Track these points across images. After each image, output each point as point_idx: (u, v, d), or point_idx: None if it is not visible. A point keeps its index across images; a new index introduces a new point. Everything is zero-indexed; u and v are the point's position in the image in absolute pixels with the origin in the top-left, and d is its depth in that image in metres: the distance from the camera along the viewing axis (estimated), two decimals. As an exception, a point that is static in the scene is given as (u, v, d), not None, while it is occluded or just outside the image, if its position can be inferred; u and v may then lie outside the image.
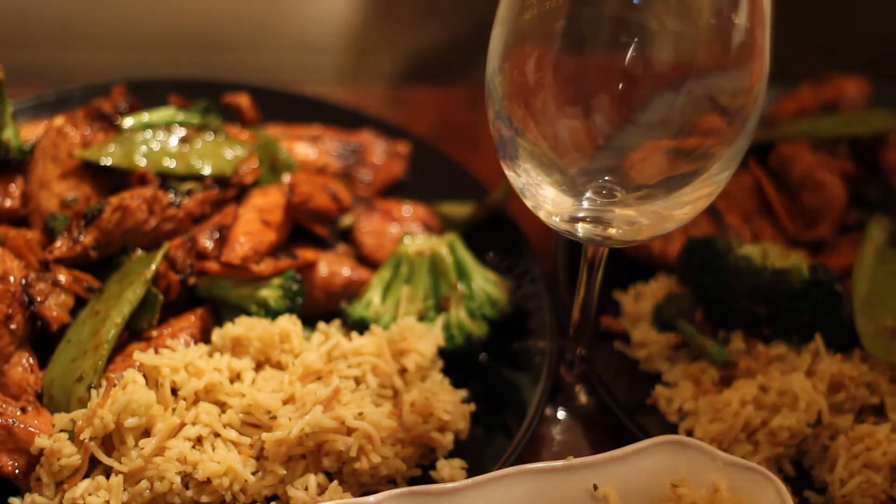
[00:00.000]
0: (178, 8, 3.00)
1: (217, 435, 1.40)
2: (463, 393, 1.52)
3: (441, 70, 2.72)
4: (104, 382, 1.41)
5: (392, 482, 1.43)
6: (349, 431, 1.38)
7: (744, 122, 1.26)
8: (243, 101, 1.85)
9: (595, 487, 1.28)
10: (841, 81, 1.98)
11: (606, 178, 1.28)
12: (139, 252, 1.57)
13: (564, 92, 1.24)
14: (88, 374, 1.42)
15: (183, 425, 1.39)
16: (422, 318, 1.58)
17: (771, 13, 1.22)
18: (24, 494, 1.36)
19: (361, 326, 1.57)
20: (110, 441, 1.37)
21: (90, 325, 1.47)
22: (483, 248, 1.71)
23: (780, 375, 1.53)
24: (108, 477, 1.35)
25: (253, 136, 1.78)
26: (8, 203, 1.62)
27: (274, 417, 1.39)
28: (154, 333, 1.51)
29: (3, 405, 1.38)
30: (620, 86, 1.23)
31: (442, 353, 1.55)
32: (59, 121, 1.66)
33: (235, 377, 1.47)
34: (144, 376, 1.40)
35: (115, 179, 1.65)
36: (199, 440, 1.39)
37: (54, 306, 1.48)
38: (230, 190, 1.69)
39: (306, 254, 1.64)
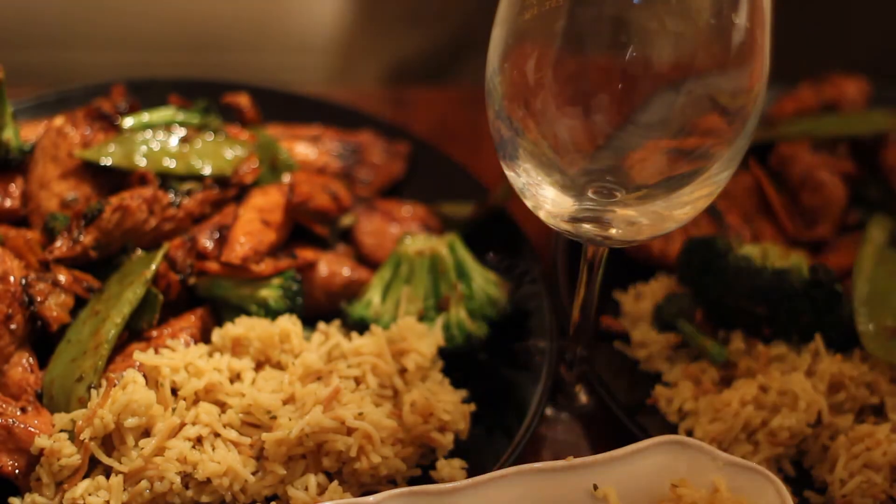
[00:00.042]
0: (178, 8, 3.00)
1: (217, 435, 1.40)
2: (463, 393, 1.52)
3: (441, 69, 2.73)
4: (104, 382, 1.41)
5: (392, 482, 1.43)
6: (349, 431, 1.38)
7: (744, 122, 1.26)
8: (243, 101, 1.85)
9: (595, 487, 1.28)
10: (841, 81, 1.98)
11: (606, 178, 1.28)
12: (139, 252, 1.57)
13: (564, 92, 1.24)
14: (88, 374, 1.42)
15: (183, 425, 1.39)
16: (422, 318, 1.58)
17: (771, 13, 1.22)
18: (24, 494, 1.36)
19: (361, 326, 1.57)
20: (110, 441, 1.37)
21: (90, 325, 1.47)
22: (483, 248, 1.71)
23: (780, 375, 1.53)
24: (108, 477, 1.35)
25: (253, 136, 1.78)
26: (8, 203, 1.62)
27: (274, 417, 1.39)
28: (154, 333, 1.51)
29: (3, 405, 1.38)
30: (620, 86, 1.23)
31: (442, 353, 1.55)
32: (59, 121, 1.66)
33: (235, 377, 1.47)
34: (144, 376, 1.40)
35: (115, 179, 1.65)
36: (199, 440, 1.39)
37: (54, 306, 1.48)
38: (230, 190, 1.69)
39: (306, 254, 1.64)
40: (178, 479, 1.34)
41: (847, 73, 2.00)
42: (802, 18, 2.11)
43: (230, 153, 1.72)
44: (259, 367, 1.50)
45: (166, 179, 1.65)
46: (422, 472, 1.45)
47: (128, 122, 1.70)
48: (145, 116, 1.72)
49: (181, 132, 1.71)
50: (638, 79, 1.21)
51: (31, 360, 1.46)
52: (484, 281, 1.62)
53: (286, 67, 3.04)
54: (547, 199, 1.31)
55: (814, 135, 1.88)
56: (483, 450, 1.47)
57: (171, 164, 1.66)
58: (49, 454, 1.34)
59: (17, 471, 1.36)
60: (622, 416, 1.52)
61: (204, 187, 1.67)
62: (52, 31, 2.94)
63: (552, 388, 1.56)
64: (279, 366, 1.49)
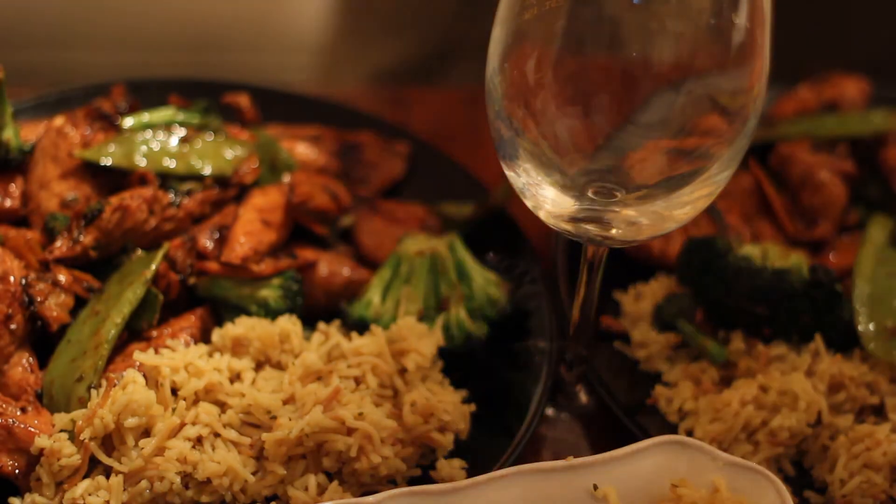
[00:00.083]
0: (178, 8, 3.00)
1: (217, 435, 1.40)
2: (463, 393, 1.52)
3: (436, 69, 2.72)
4: (104, 382, 1.41)
5: (392, 482, 1.43)
6: (349, 431, 1.38)
7: (744, 122, 1.26)
8: (243, 101, 1.85)
9: (595, 487, 1.28)
10: (841, 81, 1.98)
11: (606, 178, 1.28)
12: (139, 252, 1.57)
13: (564, 92, 1.23)
14: (88, 374, 1.42)
15: (183, 425, 1.39)
16: (422, 318, 1.58)
17: (771, 13, 1.22)
18: (24, 494, 1.36)
19: (361, 326, 1.57)
20: (110, 441, 1.37)
21: (90, 325, 1.47)
22: (483, 248, 1.71)
23: (780, 375, 1.53)
24: (108, 477, 1.35)
25: (253, 136, 1.78)
26: (8, 203, 1.62)
27: (274, 417, 1.39)
28: (154, 333, 1.51)
29: (3, 405, 1.38)
30: (620, 86, 1.23)
31: (442, 353, 1.55)
32: (59, 121, 1.66)
33: (235, 377, 1.47)
34: (144, 376, 1.40)
35: (115, 179, 1.65)
36: (199, 440, 1.39)
37: (54, 306, 1.48)
38: (230, 190, 1.69)
39: (306, 254, 1.64)
40: (178, 479, 1.34)
41: (847, 73, 2.00)
42: (802, 18, 2.11)
43: (230, 153, 1.72)
44: (259, 367, 1.50)
45: (166, 179, 1.65)
46: (422, 472, 1.45)
47: (128, 122, 1.70)
48: (145, 116, 1.72)
49: (181, 132, 1.71)
50: (638, 79, 1.21)
51: (31, 360, 1.46)
52: (484, 281, 1.62)
53: (286, 67, 3.03)
54: (547, 199, 1.31)
55: (814, 135, 1.88)
56: (483, 450, 1.47)
57: (171, 164, 1.66)
58: (49, 454, 1.34)
59: (17, 471, 1.36)
60: (622, 416, 1.52)
61: (204, 187, 1.67)
62: (52, 31, 2.94)
63: (552, 388, 1.56)
64: (279, 366, 1.49)
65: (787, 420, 1.48)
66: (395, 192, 1.87)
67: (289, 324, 1.50)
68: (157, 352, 1.45)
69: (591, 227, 1.32)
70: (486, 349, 1.60)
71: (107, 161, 1.62)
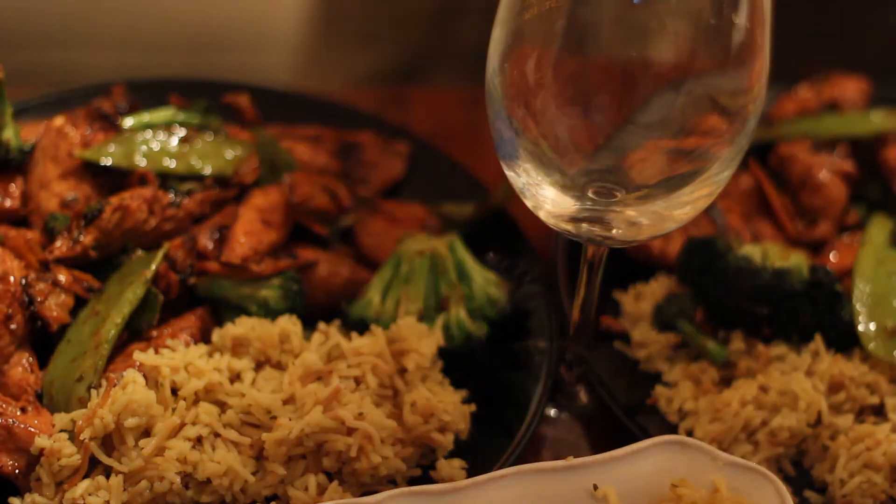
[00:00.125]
0: (177, 8, 3.00)
1: (217, 435, 1.40)
2: (463, 393, 1.52)
3: (442, 68, 2.73)
4: (104, 382, 1.41)
5: (392, 482, 1.43)
6: (349, 431, 1.38)
7: (744, 122, 1.26)
8: (243, 101, 1.85)
9: (595, 487, 1.28)
10: (841, 81, 1.98)
11: (607, 178, 1.28)
12: (139, 252, 1.57)
13: (564, 92, 1.23)
14: (88, 374, 1.42)
15: (183, 425, 1.39)
16: (422, 318, 1.58)
17: (771, 13, 1.22)
18: (24, 494, 1.36)
19: (361, 326, 1.57)
20: (110, 441, 1.37)
21: (90, 325, 1.47)
22: (483, 248, 1.71)
23: (780, 375, 1.54)
24: (108, 477, 1.35)
25: (253, 136, 1.78)
26: (8, 203, 1.62)
27: (274, 417, 1.39)
28: (154, 333, 1.51)
29: (3, 405, 1.38)
30: (620, 86, 1.23)
31: (442, 353, 1.55)
32: (59, 121, 1.66)
33: (235, 377, 1.47)
34: (144, 376, 1.40)
35: (115, 179, 1.65)
36: (199, 440, 1.39)
37: (54, 306, 1.48)
38: (230, 190, 1.69)
39: (306, 254, 1.64)
40: (178, 479, 1.34)
41: (847, 73, 2.00)
42: (802, 18, 2.11)
43: (230, 153, 1.72)
44: (259, 367, 1.50)
45: (166, 179, 1.65)
46: (422, 472, 1.45)
47: (128, 122, 1.70)
48: (145, 116, 1.72)
49: (181, 132, 1.71)
50: (638, 79, 1.21)
51: (31, 360, 1.46)
52: (484, 281, 1.62)
53: (287, 67, 3.03)
54: (547, 199, 1.31)
55: (814, 135, 1.88)
56: (483, 450, 1.47)
57: (171, 164, 1.66)
58: (49, 454, 1.34)
59: (17, 471, 1.35)
60: (622, 416, 1.52)
61: (204, 187, 1.67)
62: (52, 31, 2.94)
63: (552, 388, 1.56)
64: (279, 366, 1.49)
65: (787, 420, 1.49)
66: (395, 192, 1.86)
67: (289, 324, 1.50)
68: (157, 352, 1.45)
69: (591, 227, 1.32)
70: (486, 349, 1.60)
71: (107, 161, 1.62)
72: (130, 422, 1.35)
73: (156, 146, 1.67)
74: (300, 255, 1.62)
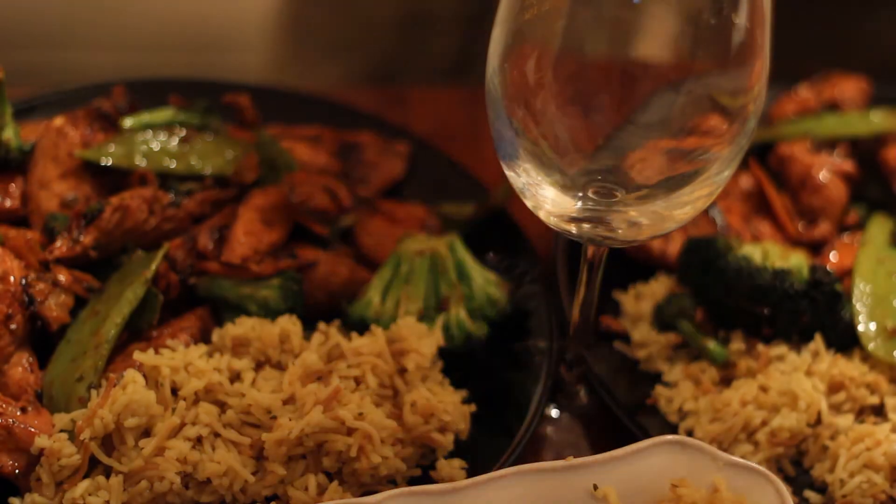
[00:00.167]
0: (178, 8, 3.00)
1: (217, 435, 1.40)
2: (463, 393, 1.52)
3: (442, 68, 2.73)
4: (104, 382, 1.41)
5: (392, 482, 1.43)
6: (349, 431, 1.38)
7: (744, 122, 1.26)
8: (243, 101, 1.85)
9: (595, 487, 1.28)
10: (841, 81, 1.98)
11: (607, 178, 1.28)
12: (139, 252, 1.57)
13: (564, 92, 1.23)
14: (88, 374, 1.42)
15: (183, 425, 1.39)
16: (422, 318, 1.58)
17: (771, 13, 1.22)
18: (24, 494, 1.36)
19: (361, 326, 1.57)
20: (110, 441, 1.37)
21: (90, 325, 1.47)
22: (483, 248, 1.71)
23: (780, 375, 1.54)
24: (108, 477, 1.35)
25: (253, 136, 1.78)
26: (8, 203, 1.62)
27: (274, 417, 1.39)
28: (154, 333, 1.51)
29: (3, 405, 1.38)
30: (620, 86, 1.23)
31: (442, 353, 1.55)
32: (59, 121, 1.66)
33: (235, 377, 1.47)
34: (144, 376, 1.40)
35: (115, 179, 1.65)
36: (199, 440, 1.39)
37: (54, 306, 1.48)
38: (230, 190, 1.69)
39: (306, 254, 1.64)
40: (178, 479, 1.34)
41: (847, 73, 2.00)
42: (802, 18, 2.11)
43: (230, 153, 1.72)
44: (259, 367, 1.50)
45: (166, 179, 1.65)
46: (422, 472, 1.45)
47: (128, 122, 1.70)
48: (145, 116, 1.72)
49: (181, 132, 1.71)
50: (638, 79, 1.21)
51: (31, 360, 1.46)
52: (484, 281, 1.62)
53: (287, 67, 3.03)
54: (547, 199, 1.31)
55: (814, 135, 1.88)
56: (483, 450, 1.47)
57: (171, 164, 1.66)
58: (49, 454, 1.34)
59: (17, 471, 1.35)
60: (622, 416, 1.52)
61: (204, 187, 1.67)
62: (52, 31, 2.94)
63: (552, 388, 1.56)
64: (279, 366, 1.49)
65: (787, 420, 1.49)
66: (395, 192, 1.86)
67: (289, 324, 1.50)
68: (157, 352, 1.45)
69: (591, 227, 1.32)
70: (486, 349, 1.60)
71: (107, 161, 1.62)
72: (130, 422, 1.35)
73: (156, 146, 1.67)
74: (300, 255, 1.62)
